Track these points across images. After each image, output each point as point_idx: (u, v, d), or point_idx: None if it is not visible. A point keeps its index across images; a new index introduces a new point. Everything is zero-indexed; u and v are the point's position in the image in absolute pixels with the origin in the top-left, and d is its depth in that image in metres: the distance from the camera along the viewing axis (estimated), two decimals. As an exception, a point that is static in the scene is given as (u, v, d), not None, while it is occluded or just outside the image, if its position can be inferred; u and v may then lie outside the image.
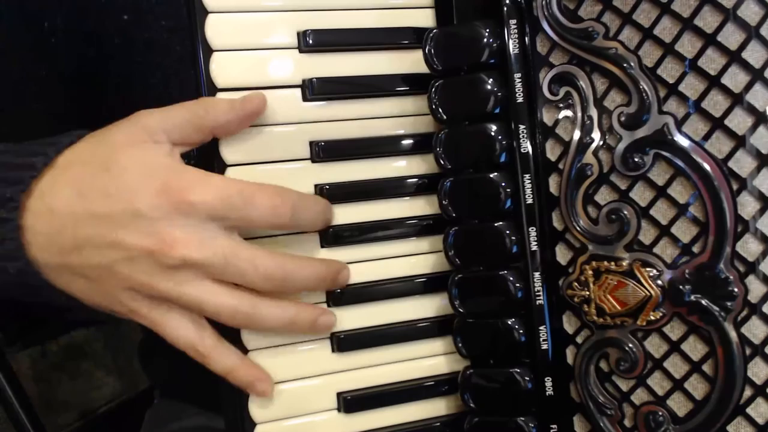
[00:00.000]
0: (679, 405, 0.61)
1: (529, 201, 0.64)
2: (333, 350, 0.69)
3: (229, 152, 0.65)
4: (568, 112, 0.62)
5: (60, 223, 0.60)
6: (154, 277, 0.60)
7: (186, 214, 0.60)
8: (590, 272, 0.62)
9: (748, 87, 0.56)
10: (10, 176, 0.61)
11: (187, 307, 0.62)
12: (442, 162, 0.67)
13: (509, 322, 0.65)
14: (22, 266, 0.61)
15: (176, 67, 0.80)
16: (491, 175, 0.65)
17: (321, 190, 0.68)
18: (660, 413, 0.61)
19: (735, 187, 0.57)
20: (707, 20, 0.57)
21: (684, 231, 0.59)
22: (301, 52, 0.67)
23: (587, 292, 0.62)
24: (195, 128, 0.63)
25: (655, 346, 0.61)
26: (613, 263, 0.61)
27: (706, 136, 0.58)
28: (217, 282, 0.62)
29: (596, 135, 0.61)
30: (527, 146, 0.64)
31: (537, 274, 0.65)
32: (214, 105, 0.63)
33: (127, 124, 0.63)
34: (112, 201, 0.60)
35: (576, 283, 0.63)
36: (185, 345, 0.63)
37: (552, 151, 0.64)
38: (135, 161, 0.61)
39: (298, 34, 0.67)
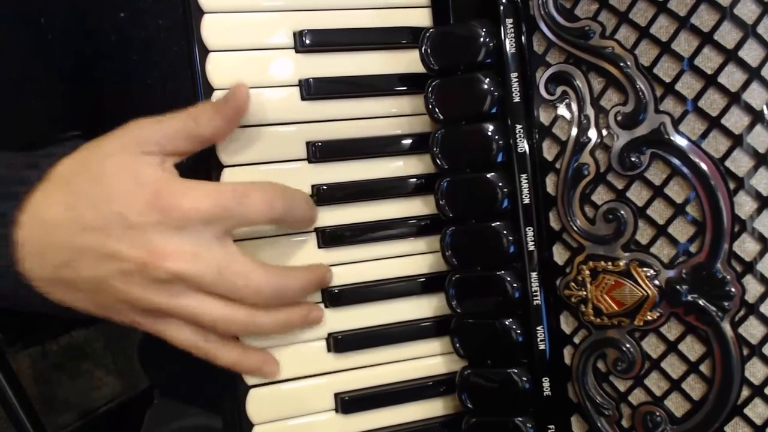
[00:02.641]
0: (676, 405, 0.61)
1: (526, 201, 0.64)
2: (330, 351, 0.68)
3: (225, 154, 0.65)
4: (565, 112, 0.62)
5: (51, 237, 0.60)
6: (148, 291, 0.60)
7: (179, 225, 0.59)
8: (587, 272, 0.62)
9: (745, 86, 0.56)
10: (3, 191, 0.61)
11: (183, 319, 0.62)
12: (438, 162, 0.66)
13: (506, 323, 0.65)
14: (13, 282, 0.61)
15: (173, 65, 0.80)
16: (488, 175, 0.65)
17: (318, 190, 0.68)
18: (657, 413, 0.61)
19: (732, 186, 0.57)
20: (704, 19, 0.57)
21: (681, 231, 0.59)
22: (297, 52, 0.67)
23: (584, 293, 0.62)
24: (186, 139, 0.62)
25: (652, 346, 0.61)
26: (610, 263, 0.61)
27: (703, 136, 0.57)
28: (211, 294, 0.61)
29: (593, 134, 0.61)
30: (524, 146, 0.64)
31: (534, 275, 0.65)
32: (201, 113, 0.62)
33: (118, 135, 0.62)
34: (103, 213, 0.59)
35: (573, 284, 0.63)
36: (188, 346, 0.63)
37: (549, 151, 0.64)
38: (125, 173, 0.60)
39: (295, 34, 0.67)
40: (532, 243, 0.64)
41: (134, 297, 0.60)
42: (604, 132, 0.61)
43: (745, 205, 0.57)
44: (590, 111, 0.61)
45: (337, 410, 0.69)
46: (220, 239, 0.61)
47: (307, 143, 0.67)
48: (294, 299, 0.66)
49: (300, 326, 0.67)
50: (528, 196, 0.64)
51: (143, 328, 0.63)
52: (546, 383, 0.65)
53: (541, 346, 0.65)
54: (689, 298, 0.59)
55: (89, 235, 0.59)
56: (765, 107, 0.55)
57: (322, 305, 0.68)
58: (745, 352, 0.58)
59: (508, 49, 0.64)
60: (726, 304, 0.58)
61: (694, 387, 0.60)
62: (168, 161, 0.62)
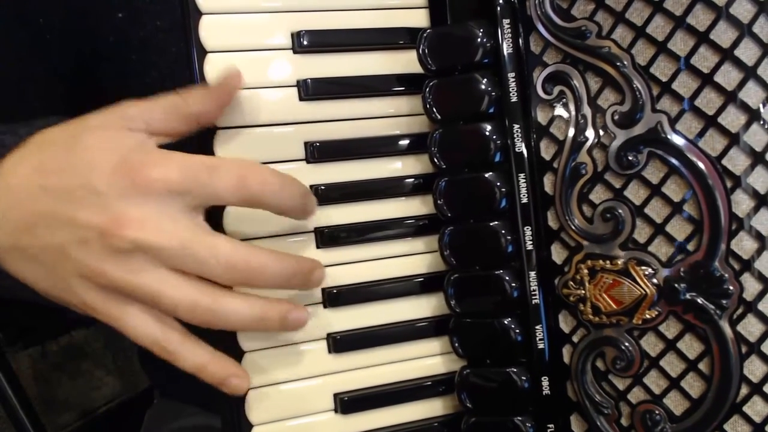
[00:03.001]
0: (675, 403, 0.61)
1: (524, 200, 0.64)
2: (329, 351, 0.68)
3: (223, 153, 0.65)
4: (562, 111, 0.62)
5: (14, 199, 0.58)
6: (105, 263, 0.57)
7: (145, 193, 0.56)
8: (585, 271, 0.62)
9: (741, 84, 0.56)
10: None
11: (142, 299, 0.58)
12: (436, 162, 0.66)
13: (505, 322, 0.65)
14: None
15: (171, 66, 0.80)
16: (486, 175, 0.65)
17: (316, 190, 0.67)
18: (657, 412, 0.61)
19: (729, 184, 0.57)
20: (699, 18, 0.57)
21: (679, 229, 0.59)
22: (295, 52, 0.67)
23: (583, 291, 0.62)
24: (174, 117, 0.60)
25: (651, 344, 0.61)
26: (608, 262, 0.61)
27: (700, 134, 0.58)
28: (176, 272, 0.58)
29: (590, 134, 0.61)
30: (522, 146, 0.64)
31: (533, 274, 0.65)
32: (190, 92, 0.61)
33: (105, 112, 0.60)
34: (67, 176, 0.57)
35: (571, 282, 0.63)
36: (148, 342, 0.60)
37: (546, 151, 0.64)
38: (100, 142, 0.58)
39: (293, 34, 0.67)
40: (531, 242, 0.64)
41: (91, 269, 0.57)
42: (602, 131, 0.61)
43: (742, 204, 0.57)
44: (587, 110, 0.61)
45: (336, 410, 0.69)
46: (188, 213, 0.58)
47: (305, 143, 0.67)
48: (274, 284, 0.62)
49: (278, 327, 0.63)
50: (526, 195, 0.64)
51: (98, 315, 0.60)
52: (545, 382, 0.65)
53: (540, 345, 0.65)
54: (687, 296, 0.59)
55: (51, 199, 0.57)
56: (761, 106, 0.56)
57: (320, 306, 0.68)
58: (744, 349, 0.58)
59: (505, 50, 0.64)
60: (724, 302, 0.58)
61: (693, 385, 0.60)
62: (152, 140, 0.60)
